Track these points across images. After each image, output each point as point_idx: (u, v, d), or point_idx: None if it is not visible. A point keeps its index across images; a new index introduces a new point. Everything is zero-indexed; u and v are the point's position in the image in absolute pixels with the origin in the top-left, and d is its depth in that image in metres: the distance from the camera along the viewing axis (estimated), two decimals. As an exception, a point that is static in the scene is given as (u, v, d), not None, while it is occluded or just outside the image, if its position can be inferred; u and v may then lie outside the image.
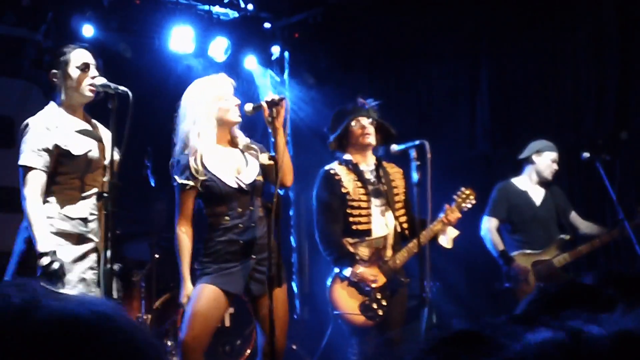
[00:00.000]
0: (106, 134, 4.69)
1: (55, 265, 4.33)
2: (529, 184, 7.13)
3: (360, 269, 5.47)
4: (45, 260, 4.33)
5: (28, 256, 4.48)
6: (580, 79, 8.07)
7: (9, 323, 0.97)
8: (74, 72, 4.64)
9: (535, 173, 7.11)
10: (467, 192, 5.74)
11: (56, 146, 4.56)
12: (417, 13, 8.56)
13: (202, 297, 4.71)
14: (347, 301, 5.52)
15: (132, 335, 1.03)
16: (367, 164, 5.73)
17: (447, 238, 5.62)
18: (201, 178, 4.78)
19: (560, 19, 8.18)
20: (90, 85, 4.64)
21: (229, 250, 4.78)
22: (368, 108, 5.71)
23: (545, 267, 6.77)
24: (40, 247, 4.35)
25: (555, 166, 7.05)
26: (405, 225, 5.68)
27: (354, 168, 5.67)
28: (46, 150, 4.56)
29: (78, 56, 4.68)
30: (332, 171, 5.68)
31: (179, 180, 4.78)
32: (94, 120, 4.85)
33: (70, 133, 4.64)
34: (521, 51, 8.45)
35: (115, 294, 4.67)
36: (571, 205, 7.20)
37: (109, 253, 4.45)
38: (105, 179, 4.62)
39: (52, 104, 4.72)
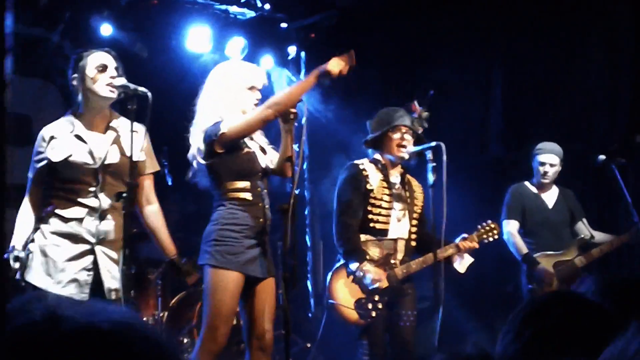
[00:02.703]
0: (125, 136, 4.68)
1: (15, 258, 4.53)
2: (540, 186, 7.12)
3: (367, 266, 5.47)
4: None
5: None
6: (593, 82, 8.07)
7: (33, 339, 0.98)
8: (91, 72, 4.64)
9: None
10: (493, 225, 5.77)
11: (47, 157, 4.65)
12: (431, 17, 8.57)
13: (228, 289, 4.72)
14: (344, 295, 5.54)
15: (154, 343, 1.04)
16: (395, 169, 5.75)
17: (462, 264, 5.64)
18: (244, 145, 4.86)
19: (574, 22, 8.17)
20: (109, 85, 4.64)
21: (250, 227, 4.80)
22: (415, 117, 5.72)
23: (567, 268, 6.78)
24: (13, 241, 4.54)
25: (546, 169, 7.02)
26: (413, 237, 5.69)
27: (382, 168, 5.69)
28: (38, 161, 4.69)
29: (96, 58, 4.69)
30: (361, 166, 5.70)
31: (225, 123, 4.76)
32: (120, 121, 4.85)
33: (65, 138, 4.68)
34: (534, 54, 8.44)
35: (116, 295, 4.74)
36: (582, 212, 7.17)
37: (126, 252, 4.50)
38: (105, 183, 4.63)
39: (68, 114, 4.76)
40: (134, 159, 4.51)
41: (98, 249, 4.61)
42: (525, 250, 6.90)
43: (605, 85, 7.96)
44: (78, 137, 4.68)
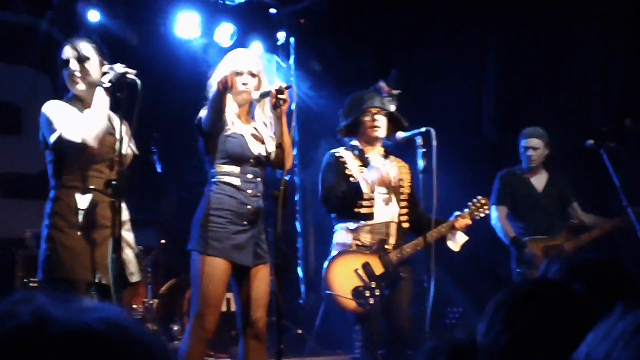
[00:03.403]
0: (118, 125, 4.66)
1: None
2: (528, 171, 7.13)
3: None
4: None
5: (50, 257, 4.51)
6: (586, 67, 8.08)
7: (22, 342, 0.95)
8: (61, 71, 4.62)
9: None
10: (483, 201, 5.75)
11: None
12: (424, 1, 8.57)
13: (214, 275, 4.71)
14: (341, 284, 5.50)
15: (145, 343, 1.02)
16: (375, 153, 5.72)
17: (456, 242, 5.64)
18: (230, 129, 4.84)
19: (567, 7, 8.17)
20: (71, 77, 4.60)
21: (237, 213, 4.78)
22: (384, 97, 5.70)
23: (557, 252, 6.79)
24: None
25: (529, 153, 7.03)
26: (404, 219, 5.68)
27: (360, 154, 5.67)
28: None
29: (64, 53, 4.65)
30: (337, 154, 5.68)
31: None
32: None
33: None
34: (527, 38, 8.45)
35: (138, 277, 4.75)
36: (574, 195, 7.18)
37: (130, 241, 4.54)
38: (117, 168, 4.61)
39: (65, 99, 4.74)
40: (123, 151, 4.50)
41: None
42: (512, 233, 6.92)
43: (598, 69, 7.98)
44: None
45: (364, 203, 5.52)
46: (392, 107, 5.69)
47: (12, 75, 8.04)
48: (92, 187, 4.56)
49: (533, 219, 6.97)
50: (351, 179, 5.53)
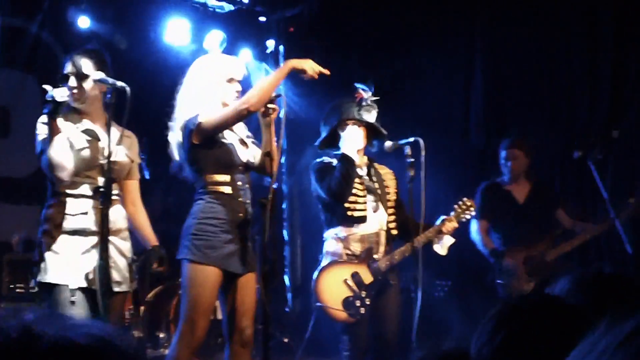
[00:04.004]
0: (113, 132, 4.69)
1: None
2: (510, 181, 7.13)
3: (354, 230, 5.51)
4: None
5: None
6: (574, 75, 8.10)
7: (9, 357, 0.97)
8: (61, 85, 4.62)
9: None
10: (469, 203, 5.75)
11: None
12: (411, 6, 8.59)
13: (206, 283, 4.72)
14: (331, 295, 5.49)
15: (129, 356, 1.05)
16: (359, 162, 5.68)
17: (443, 246, 5.64)
18: (220, 136, 4.83)
19: (555, 13, 8.20)
20: (70, 94, 4.66)
21: (229, 221, 4.78)
22: (363, 105, 5.61)
23: (536, 262, 6.80)
24: None
25: (510, 163, 7.03)
26: (392, 226, 5.67)
27: (347, 163, 5.66)
28: None
29: (65, 68, 4.73)
30: (326, 160, 5.65)
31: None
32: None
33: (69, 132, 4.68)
34: (515, 45, 8.47)
35: (127, 287, 4.84)
36: (559, 202, 7.19)
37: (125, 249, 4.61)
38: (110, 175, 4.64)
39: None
40: (113, 157, 4.53)
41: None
42: (491, 245, 6.93)
43: (585, 77, 8.00)
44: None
45: (358, 207, 5.51)
46: (370, 117, 5.61)
47: (0, 79, 8.02)
48: (82, 193, 4.60)
49: (515, 231, 6.97)
50: None
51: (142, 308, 7.16)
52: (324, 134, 5.67)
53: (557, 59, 8.26)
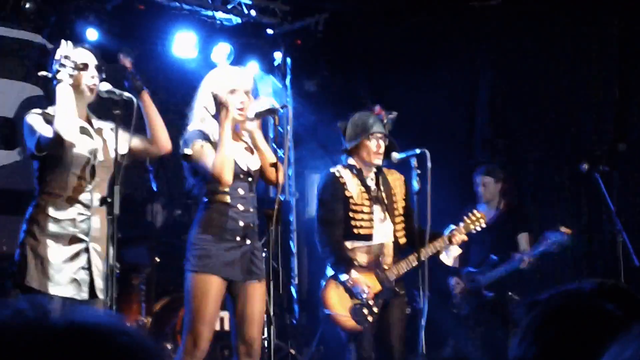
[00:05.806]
0: (109, 136, 4.69)
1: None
2: (481, 205, 7.18)
3: (356, 275, 5.48)
4: None
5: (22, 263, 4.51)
6: (579, 90, 8.11)
7: (23, 333, 0.99)
8: (72, 71, 4.55)
9: None
10: (478, 215, 5.77)
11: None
12: (418, 22, 8.60)
13: (208, 293, 4.73)
14: (338, 304, 5.52)
15: (140, 339, 1.06)
16: (369, 171, 5.73)
17: (450, 256, 5.65)
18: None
19: (560, 30, 8.21)
20: (90, 85, 4.62)
21: (228, 230, 4.79)
22: (385, 123, 5.72)
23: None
24: None
25: (479, 189, 7.29)
26: (399, 235, 5.68)
27: (358, 173, 5.69)
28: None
29: (77, 55, 4.61)
30: (337, 174, 5.68)
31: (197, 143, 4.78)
32: (98, 121, 4.83)
33: None
34: (521, 61, 8.48)
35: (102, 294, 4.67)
36: (527, 228, 7.29)
37: (110, 256, 4.47)
38: (98, 179, 4.62)
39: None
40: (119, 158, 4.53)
41: (91, 246, 4.59)
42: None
43: (591, 93, 8.01)
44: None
45: (364, 224, 5.54)
46: (390, 129, 5.74)
47: (6, 90, 8.02)
48: (70, 195, 4.57)
49: (473, 252, 7.07)
50: (351, 199, 5.55)
51: (149, 319, 7.16)
52: (351, 144, 5.69)
53: (562, 73, 8.26)
